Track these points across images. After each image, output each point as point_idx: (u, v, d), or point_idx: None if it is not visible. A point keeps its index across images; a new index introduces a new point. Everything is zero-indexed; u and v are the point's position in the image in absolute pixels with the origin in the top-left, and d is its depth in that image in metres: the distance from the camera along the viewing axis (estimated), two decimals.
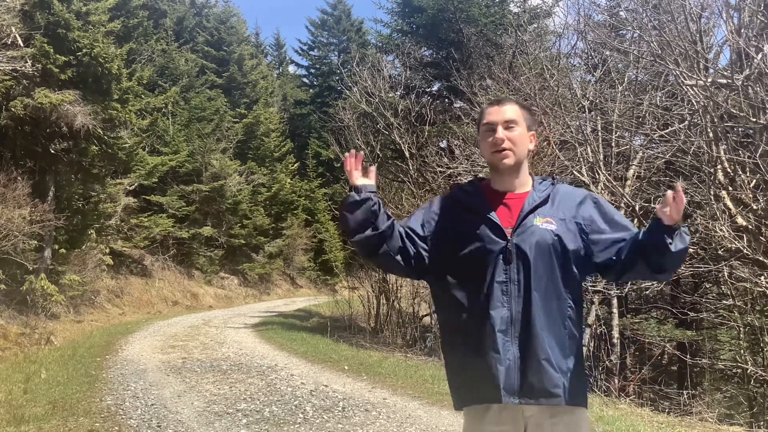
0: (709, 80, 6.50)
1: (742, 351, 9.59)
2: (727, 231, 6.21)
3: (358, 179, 2.01)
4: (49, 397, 6.07)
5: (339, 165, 18.00)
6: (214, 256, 22.73)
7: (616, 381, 8.01)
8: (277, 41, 48.03)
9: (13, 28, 11.49)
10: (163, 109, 21.35)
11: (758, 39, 6.63)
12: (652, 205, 8.52)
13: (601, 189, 8.06)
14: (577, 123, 8.26)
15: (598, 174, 7.93)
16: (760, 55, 6.19)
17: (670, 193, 1.74)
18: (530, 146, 1.98)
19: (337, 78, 28.01)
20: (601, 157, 7.98)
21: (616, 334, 8.90)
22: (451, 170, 10.59)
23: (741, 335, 9.56)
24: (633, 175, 8.62)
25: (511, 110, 1.94)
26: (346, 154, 2.07)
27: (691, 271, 7.34)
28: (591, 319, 8.31)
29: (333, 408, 5.65)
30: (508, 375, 1.81)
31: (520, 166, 1.95)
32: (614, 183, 7.90)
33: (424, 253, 1.96)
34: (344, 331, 12.75)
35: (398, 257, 1.95)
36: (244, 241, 24.26)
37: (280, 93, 38.57)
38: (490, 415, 1.86)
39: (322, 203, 30.37)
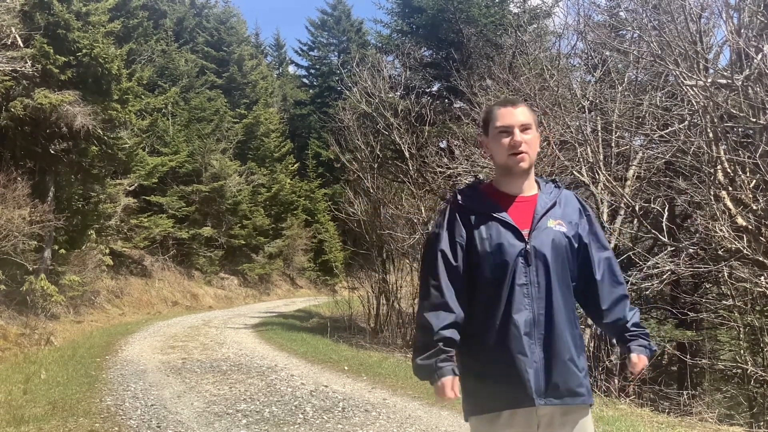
0: (709, 80, 6.50)
1: (742, 351, 9.57)
2: (727, 231, 6.21)
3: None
4: (48, 397, 6.07)
5: (339, 165, 18.00)
6: (214, 256, 22.73)
7: (616, 381, 8.00)
8: (277, 41, 48.07)
9: (13, 29, 11.48)
10: (163, 110, 21.36)
11: (758, 39, 6.63)
12: (652, 206, 8.52)
13: (601, 189, 8.06)
14: (577, 123, 8.26)
15: (598, 174, 7.93)
16: (759, 56, 6.19)
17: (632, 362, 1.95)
18: (538, 148, 2.04)
19: (337, 78, 27.98)
20: (601, 157, 7.97)
21: None
22: (451, 170, 10.59)
23: (741, 335, 9.54)
24: (633, 176, 8.61)
25: (525, 113, 1.96)
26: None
27: (691, 271, 7.34)
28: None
29: (333, 408, 5.65)
30: (537, 377, 1.81)
31: (532, 169, 1.99)
32: (614, 183, 7.90)
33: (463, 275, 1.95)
34: (344, 331, 12.75)
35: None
36: (244, 242, 24.26)
37: (280, 93, 38.58)
38: (502, 419, 1.84)
39: (322, 203, 30.38)
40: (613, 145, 8.38)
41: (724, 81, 6.62)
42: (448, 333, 1.86)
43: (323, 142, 26.34)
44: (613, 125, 8.32)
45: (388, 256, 13.67)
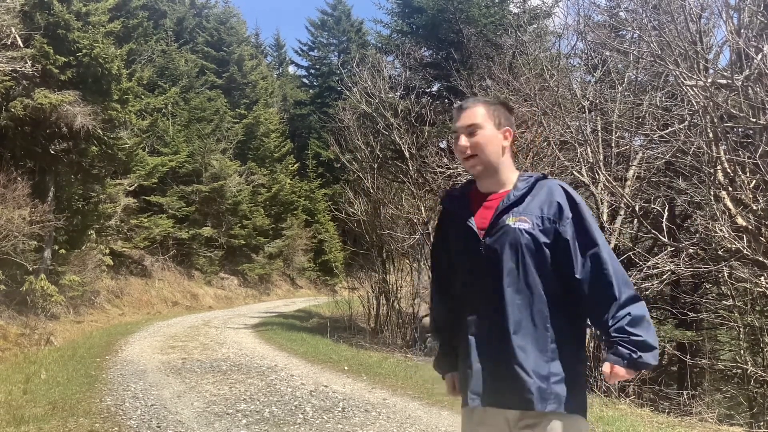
0: (709, 81, 6.50)
1: (742, 351, 9.58)
2: (727, 231, 6.21)
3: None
4: (48, 397, 6.07)
5: (339, 165, 17.99)
6: (214, 256, 22.74)
7: (616, 381, 8.00)
8: (277, 42, 48.16)
9: (13, 29, 11.48)
10: (163, 110, 21.36)
11: (758, 39, 6.63)
12: (652, 206, 8.53)
13: (601, 189, 8.06)
14: (577, 123, 8.26)
15: (598, 174, 7.93)
16: (759, 56, 6.19)
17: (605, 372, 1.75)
18: (504, 143, 1.91)
19: (337, 78, 27.99)
20: (601, 157, 7.98)
21: None
22: (451, 170, 10.58)
23: (741, 336, 9.55)
24: (633, 176, 8.61)
25: (471, 114, 1.89)
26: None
27: (691, 271, 7.34)
28: None
29: (333, 408, 5.65)
30: (477, 378, 1.82)
31: (496, 167, 1.90)
32: (614, 183, 7.90)
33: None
34: (344, 331, 12.75)
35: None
36: (244, 242, 24.26)
37: (280, 93, 38.59)
38: (476, 415, 1.88)
39: (322, 204, 30.40)
40: (613, 145, 8.38)
41: (724, 81, 6.62)
42: (441, 334, 2.07)
43: (323, 142, 26.38)
44: (613, 125, 8.32)
45: (388, 256, 13.68)
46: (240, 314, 17.07)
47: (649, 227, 7.88)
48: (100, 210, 14.88)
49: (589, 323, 1.89)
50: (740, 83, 6.17)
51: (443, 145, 13.61)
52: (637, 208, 7.90)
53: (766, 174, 6.08)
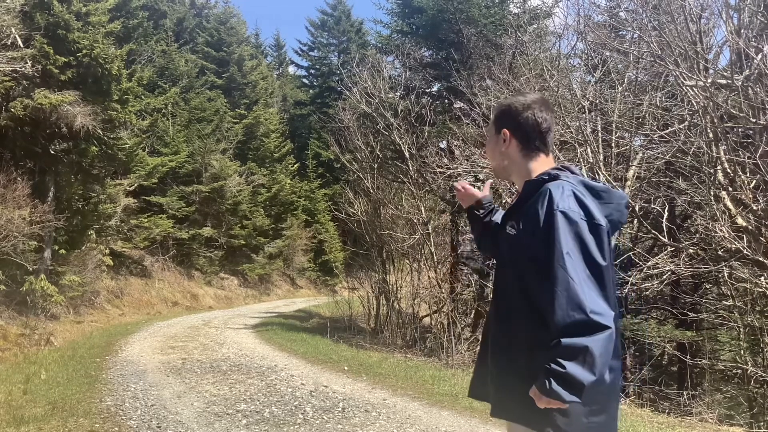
0: (709, 81, 6.50)
1: (742, 351, 9.58)
2: (727, 231, 6.21)
3: (480, 193, 2.12)
4: (48, 397, 6.07)
5: (339, 165, 17.98)
6: (214, 256, 22.73)
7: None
8: (277, 42, 48.14)
9: (13, 29, 11.48)
10: (163, 110, 21.35)
11: (758, 39, 6.63)
12: (652, 206, 8.52)
13: None
14: (577, 123, 8.26)
15: (598, 175, 7.92)
16: (759, 56, 6.19)
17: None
18: (503, 148, 1.89)
19: (337, 79, 27.98)
20: (601, 157, 7.97)
21: None
22: (451, 171, 10.58)
23: (741, 336, 9.55)
24: (633, 176, 8.61)
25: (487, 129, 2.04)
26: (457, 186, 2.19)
27: (691, 271, 7.34)
28: None
29: (333, 409, 5.65)
30: (474, 374, 1.96)
31: (507, 172, 1.95)
32: (614, 184, 7.90)
33: None
34: (344, 331, 12.74)
35: None
36: (244, 242, 24.26)
37: (280, 94, 38.59)
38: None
39: (322, 204, 30.40)
40: (613, 145, 8.37)
41: (724, 81, 6.62)
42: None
43: (323, 142, 26.35)
44: (613, 125, 8.31)
45: (388, 257, 13.67)
46: (240, 314, 17.07)
47: (649, 227, 7.87)
48: (100, 210, 14.88)
49: None
50: (740, 83, 6.17)
51: (443, 145, 13.62)
52: (637, 208, 7.90)
53: (766, 174, 6.08)
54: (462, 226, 13.42)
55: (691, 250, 7.17)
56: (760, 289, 7.21)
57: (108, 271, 16.46)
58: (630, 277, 7.10)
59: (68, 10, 12.15)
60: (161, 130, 21.16)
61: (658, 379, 10.58)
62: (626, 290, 8.12)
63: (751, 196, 6.46)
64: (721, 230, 6.22)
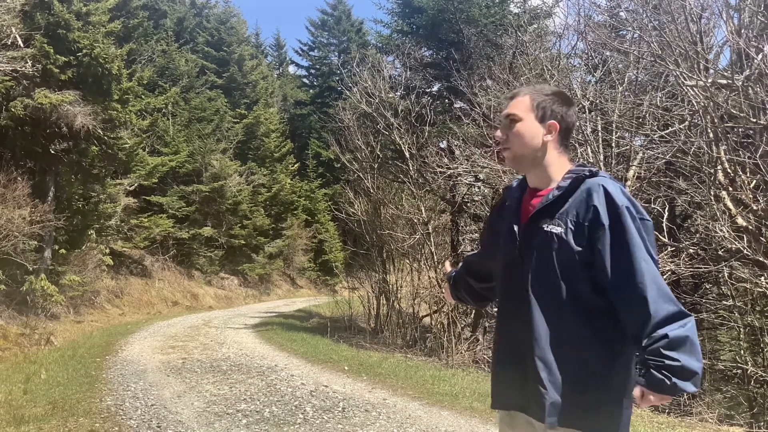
0: (710, 81, 6.50)
1: (742, 351, 9.58)
2: (728, 231, 6.21)
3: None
4: (49, 397, 6.07)
5: (339, 165, 17.97)
6: (214, 256, 22.74)
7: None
8: (277, 42, 48.09)
9: (13, 29, 11.49)
10: (163, 110, 21.36)
11: (758, 39, 6.63)
12: (652, 206, 8.52)
13: None
14: (577, 123, 8.26)
15: None
16: (760, 56, 6.19)
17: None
18: (547, 137, 1.78)
19: (337, 78, 28.01)
20: (602, 157, 7.97)
21: None
22: (452, 170, 10.59)
23: (741, 336, 9.55)
24: (633, 176, 8.61)
25: (515, 104, 1.82)
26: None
27: (691, 271, 7.34)
28: None
29: (333, 408, 5.65)
30: (500, 382, 1.82)
31: (535, 162, 1.80)
32: None
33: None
34: (344, 331, 12.75)
35: (482, 285, 2.12)
36: (244, 242, 24.27)
37: (280, 93, 38.57)
38: (506, 417, 1.87)
39: (322, 203, 30.41)
40: (613, 145, 8.37)
41: (724, 81, 6.62)
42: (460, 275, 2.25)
43: (323, 142, 26.35)
44: (614, 125, 8.31)
45: (388, 256, 13.67)
46: (240, 314, 17.07)
47: None
48: (100, 210, 14.88)
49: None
50: (740, 83, 6.17)
51: (443, 145, 13.61)
52: None
53: (767, 174, 6.08)
54: (462, 226, 13.42)
55: (691, 250, 7.18)
56: (760, 289, 7.21)
57: (108, 271, 16.46)
58: None
59: (68, 9, 12.16)
60: (161, 129, 21.16)
61: None
62: None
63: (751, 196, 6.46)
64: (721, 230, 6.22)
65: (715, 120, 6.42)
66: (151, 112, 18.81)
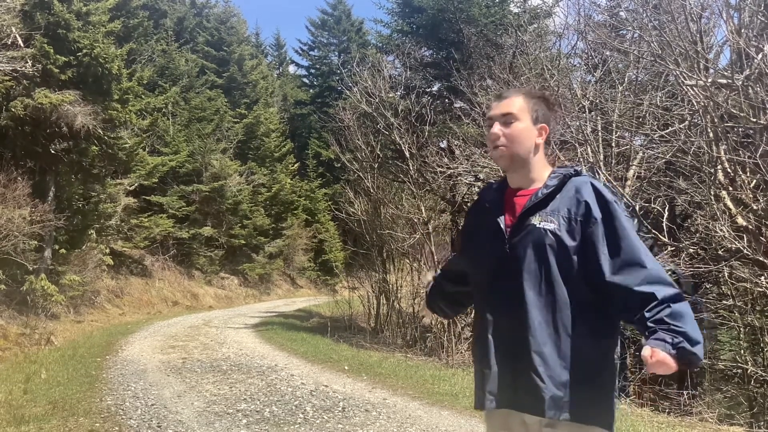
0: (710, 80, 6.50)
1: (742, 351, 9.58)
2: (728, 231, 6.21)
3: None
4: (49, 397, 6.07)
5: (339, 165, 17.97)
6: (215, 256, 22.74)
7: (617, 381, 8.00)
8: (277, 41, 48.11)
9: (14, 29, 11.49)
10: (164, 110, 21.36)
11: (758, 39, 6.63)
12: (652, 206, 8.52)
13: None
14: (578, 123, 8.26)
15: (598, 174, 7.92)
16: (760, 55, 6.19)
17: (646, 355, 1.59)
18: (538, 140, 1.85)
19: (338, 78, 27.99)
20: (602, 157, 7.97)
21: None
22: (452, 170, 10.58)
23: (741, 335, 9.55)
24: (633, 176, 8.61)
25: (510, 103, 1.85)
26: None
27: (691, 271, 7.34)
28: None
29: (333, 408, 5.65)
30: (493, 380, 1.79)
31: (525, 162, 1.84)
32: (614, 183, 7.90)
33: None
34: (344, 331, 12.75)
35: (459, 288, 2.11)
36: (244, 242, 24.27)
37: (280, 93, 38.58)
38: (496, 416, 1.85)
39: (322, 203, 30.41)
40: (613, 145, 8.37)
41: (724, 81, 6.62)
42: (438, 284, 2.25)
43: (323, 142, 26.36)
44: (614, 125, 8.31)
45: (388, 256, 13.68)
46: (240, 314, 17.07)
47: (649, 227, 7.87)
48: (100, 210, 14.89)
49: (623, 328, 1.82)
50: (740, 83, 6.17)
51: (443, 144, 13.61)
52: (637, 208, 7.89)
53: (766, 174, 6.08)
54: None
55: (691, 250, 7.18)
56: (760, 289, 7.21)
57: (108, 271, 16.47)
58: None
59: (68, 9, 12.15)
60: (161, 129, 21.16)
61: (658, 378, 10.58)
62: None
63: (751, 195, 6.46)
64: (721, 230, 6.22)
65: (715, 120, 6.42)
66: (151, 111, 18.80)
